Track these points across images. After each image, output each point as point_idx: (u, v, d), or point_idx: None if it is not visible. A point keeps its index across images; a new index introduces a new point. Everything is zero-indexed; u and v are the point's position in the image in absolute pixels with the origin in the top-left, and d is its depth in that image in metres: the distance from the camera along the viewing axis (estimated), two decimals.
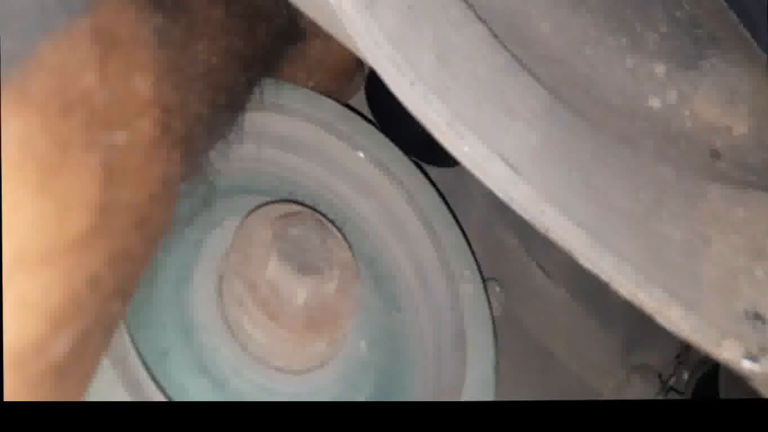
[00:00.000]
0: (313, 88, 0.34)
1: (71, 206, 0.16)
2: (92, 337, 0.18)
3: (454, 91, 0.23)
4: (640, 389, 0.49)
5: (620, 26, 0.31)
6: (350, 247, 0.31)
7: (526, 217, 0.24)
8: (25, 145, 0.15)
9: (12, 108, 0.15)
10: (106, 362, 0.23)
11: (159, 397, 0.25)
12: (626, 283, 0.25)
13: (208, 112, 0.22)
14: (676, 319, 0.25)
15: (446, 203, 0.37)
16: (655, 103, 0.31)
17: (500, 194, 0.23)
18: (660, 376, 0.50)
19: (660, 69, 0.32)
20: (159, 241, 0.21)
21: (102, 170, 0.17)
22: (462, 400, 0.28)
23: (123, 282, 0.19)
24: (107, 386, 0.23)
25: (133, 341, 0.25)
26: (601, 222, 0.25)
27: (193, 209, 0.29)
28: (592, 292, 0.43)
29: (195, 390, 0.27)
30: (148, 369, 0.25)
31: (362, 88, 0.42)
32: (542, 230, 0.24)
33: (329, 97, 0.35)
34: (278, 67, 0.29)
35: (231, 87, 0.25)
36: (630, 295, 0.25)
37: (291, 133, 0.33)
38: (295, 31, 0.29)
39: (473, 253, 0.35)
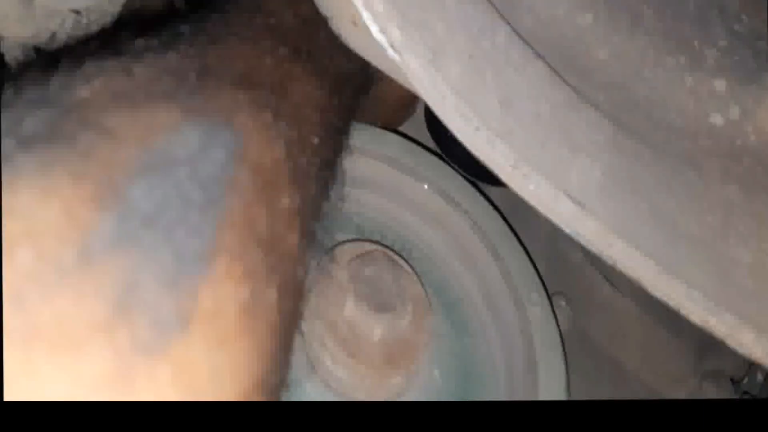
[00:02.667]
0: (375, 121, 0.35)
1: (268, 335, 0.18)
2: None
3: (517, 133, 0.23)
4: (713, 396, 0.48)
5: (678, 45, 0.31)
6: (420, 279, 0.32)
7: (594, 250, 0.24)
8: (248, 295, 0.17)
9: (233, 278, 0.17)
10: None
11: None
12: (696, 309, 0.25)
13: (321, 190, 0.24)
14: (747, 342, 0.25)
15: (508, 223, 0.37)
16: (717, 120, 0.31)
17: (567, 230, 0.24)
18: (733, 380, 0.49)
19: (721, 85, 0.32)
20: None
21: (278, 296, 0.19)
22: None
23: (287, 372, 0.21)
24: None
25: None
26: (669, 250, 0.25)
27: None
28: (661, 302, 0.43)
29: None
30: None
31: (420, 110, 0.43)
32: (610, 262, 0.25)
33: (390, 126, 0.36)
34: (357, 117, 0.30)
35: (331, 159, 0.26)
36: (701, 321, 0.25)
37: (358, 170, 0.34)
38: (369, 81, 0.30)
39: (539, 274, 0.35)
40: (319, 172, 0.24)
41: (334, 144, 0.27)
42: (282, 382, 0.20)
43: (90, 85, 0.18)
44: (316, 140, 0.23)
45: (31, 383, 0.14)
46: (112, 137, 0.17)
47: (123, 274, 0.15)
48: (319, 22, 0.27)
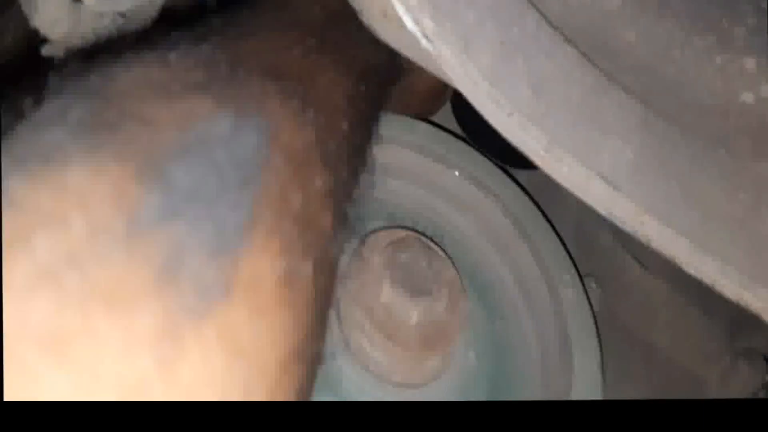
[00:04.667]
0: (407, 111, 0.36)
1: (304, 307, 0.19)
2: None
3: (549, 117, 0.24)
4: (746, 374, 0.48)
5: (707, 25, 0.31)
6: (453, 263, 0.32)
7: (627, 229, 0.25)
8: (285, 268, 0.18)
9: (271, 252, 0.18)
10: None
11: None
12: (730, 285, 0.25)
13: (352, 174, 0.25)
14: None
15: (538, 206, 0.38)
16: (747, 98, 0.31)
17: (601, 210, 0.24)
18: (766, 358, 0.49)
19: (750, 63, 0.32)
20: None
21: (313, 271, 0.19)
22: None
23: (323, 347, 0.22)
24: None
25: None
26: (702, 227, 0.26)
27: None
28: (692, 280, 0.43)
29: None
30: None
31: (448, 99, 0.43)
32: (644, 241, 0.25)
33: (421, 115, 0.36)
34: (386, 106, 0.31)
35: (361, 145, 0.27)
36: (735, 297, 0.26)
37: (390, 160, 0.35)
38: (398, 71, 0.30)
39: (570, 255, 0.35)
40: (350, 157, 0.25)
41: (364, 131, 0.27)
42: (318, 356, 0.21)
43: (128, 74, 0.19)
44: (345, 126, 0.24)
45: (89, 337, 0.14)
46: (150, 125, 0.18)
47: (169, 243, 0.16)
48: (346, 15, 0.27)
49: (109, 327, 0.15)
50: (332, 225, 0.22)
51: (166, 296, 0.15)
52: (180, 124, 0.18)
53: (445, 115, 0.44)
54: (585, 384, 0.30)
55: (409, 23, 0.22)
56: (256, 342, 0.17)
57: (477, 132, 0.43)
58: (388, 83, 0.30)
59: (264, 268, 0.18)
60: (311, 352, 0.20)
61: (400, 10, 0.22)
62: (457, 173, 0.37)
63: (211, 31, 0.23)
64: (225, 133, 0.18)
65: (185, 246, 0.16)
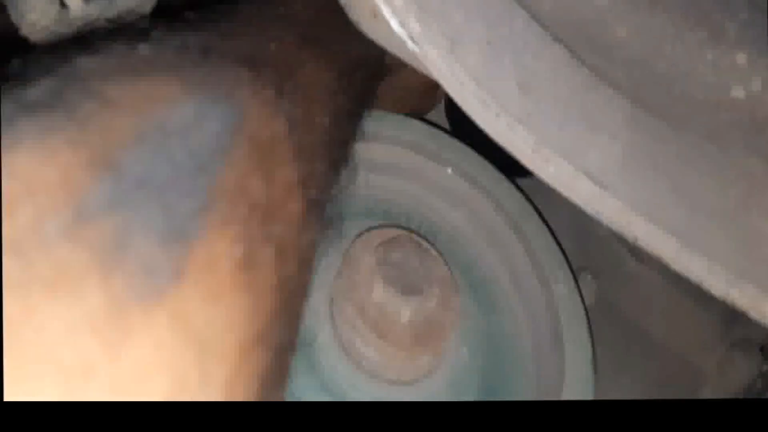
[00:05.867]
0: (400, 108, 0.36)
1: (266, 292, 0.19)
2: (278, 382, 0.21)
3: (536, 117, 0.24)
4: (742, 364, 0.48)
5: (698, 20, 0.31)
6: (446, 260, 0.32)
7: (614, 228, 0.25)
8: (243, 254, 0.18)
9: (227, 237, 0.18)
10: None
11: None
12: (718, 282, 0.26)
13: (330, 167, 0.25)
14: None
15: (532, 202, 0.38)
16: (738, 93, 0.31)
17: (588, 209, 0.25)
18: (762, 349, 0.49)
19: (742, 58, 0.31)
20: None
21: (276, 257, 0.20)
22: (562, 397, 0.30)
23: (294, 338, 0.22)
24: None
25: None
26: (690, 224, 0.26)
27: None
28: None
29: None
30: None
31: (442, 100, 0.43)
32: (631, 239, 0.25)
33: (416, 113, 0.36)
34: (372, 102, 0.31)
35: (342, 139, 0.27)
36: (722, 294, 0.26)
37: (383, 157, 0.35)
38: (383, 68, 0.30)
39: (563, 251, 0.36)
40: (328, 150, 0.25)
41: (346, 125, 0.27)
42: (290, 345, 0.21)
43: (94, 56, 0.19)
44: (324, 119, 0.24)
45: (31, 323, 0.14)
46: (110, 107, 0.18)
47: (115, 229, 0.16)
48: (331, 10, 0.27)
49: (51, 311, 0.15)
50: (302, 215, 0.22)
51: (111, 280, 0.15)
52: (140, 108, 0.18)
53: (438, 115, 0.44)
54: (576, 379, 0.31)
55: (395, 25, 0.22)
56: (211, 326, 0.17)
57: (469, 134, 0.43)
58: (373, 79, 0.30)
59: (219, 253, 0.18)
60: (277, 339, 0.20)
61: (387, 13, 0.22)
62: (450, 170, 0.37)
63: (186, 22, 0.23)
64: (187, 120, 0.18)
65: (132, 231, 0.16)
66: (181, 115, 0.18)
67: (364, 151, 0.34)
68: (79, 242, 0.15)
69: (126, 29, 0.21)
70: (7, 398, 0.14)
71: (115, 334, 0.15)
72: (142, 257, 0.16)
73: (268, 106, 0.21)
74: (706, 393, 0.47)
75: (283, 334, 0.21)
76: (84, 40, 0.20)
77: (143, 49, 0.20)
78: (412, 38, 0.22)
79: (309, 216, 0.22)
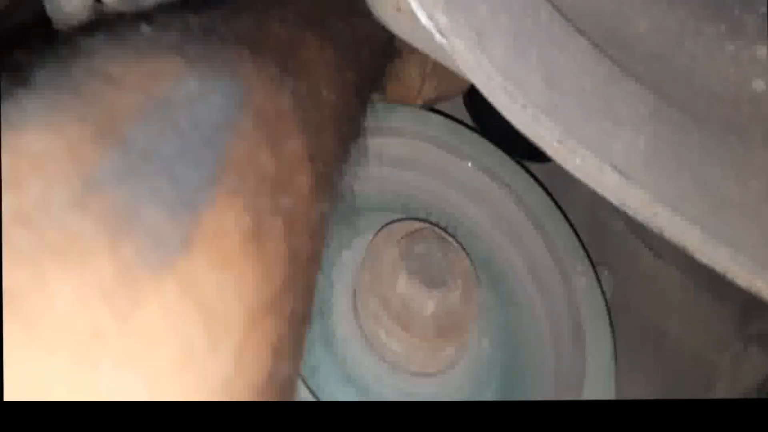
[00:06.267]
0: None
1: (275, 262, 0.19)
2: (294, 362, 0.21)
3: (562, 108, 0.24)
4: (758, 359, 0.48)
5: (718, 13, 0.31)
6: (467, 254, 0.33)
7: (640, 219, 0.25)
8: (252, 224, 0.18)
9: (235, 208, 0.18)
10: None
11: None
12: (742, 272, 0.26)
13: (339, 142, 0.25)
14: None
15: (551, 196, 0.38)
16: (759, 85, 0.31)
17: (614, 200, 0.25)
18: None
19: (762, 51, 0.32)
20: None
21: (285, 227, 0.20)
22: (583, 390, 0.30)
23: (307, 310, 0.22)
24: None
25: None
26: (714, 215, 0.26)
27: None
28: (703, 267, 0.43)
29: (343, 398, 0.30)
30: (306, 383, 0.28)
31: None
32: (656, 230, 0.25)
33: (444, 98, 0.36)
34: (382, 84, 0.31)
35: (350, 115, 0.27)
36: (747, 284, 0.26)
37: (403, 152, 0.36)
38: (393, 48, 0.31)
39: (583, 245, 0.36)
40: (336, 125, 0.25)
41: (354, 101, 0.28)
42: (303, 316, 0.21)
43: (98, 38, 0.19)
44: (332, 96, 0.24)
45: (41, 290, 0.15)
46: (115, 84, 0.18)
47: (124, 200, 0.16)
48: None
49: (61, 280, 0.15)
50: (311, 188, 0.22)
51: (121, 249, 0.15)
52: (145, 85, 0.18)
53: (458, 107, 0.44)
54: (597, 372, 0.31)
55: (423, 18, 0.22)
56: (220, 294, 0.17)
57: (488, 124, 0.43)
58: (383, 55, 0.30)
59: (228, 223, 0.18)
60: (288, 308, 0.20)
61: (414, 6, 0.22)
62: (470, 164, 0.37)
63: (190, 6, 0.23)
64: (191, 94, 0.19)
65: (141, 202, 0.16)
66: (186, 90, 0.19)
67: (384, 145, 0.34)
68: (88, 212, 0.16)
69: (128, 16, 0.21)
70: (19, 366, 0.14)
71: (125, 301, 0.15)
72: (150, 227, 0.16)
73: (272, 82, 0.21)
74: (721, 388, 0.47)
75: (295, 304, 0.21)
76: (89, 24, 0.20)
77: (147, 30, 0.20)
78: (439, 31, 0.22)
79: (318, 189, 0.22)
